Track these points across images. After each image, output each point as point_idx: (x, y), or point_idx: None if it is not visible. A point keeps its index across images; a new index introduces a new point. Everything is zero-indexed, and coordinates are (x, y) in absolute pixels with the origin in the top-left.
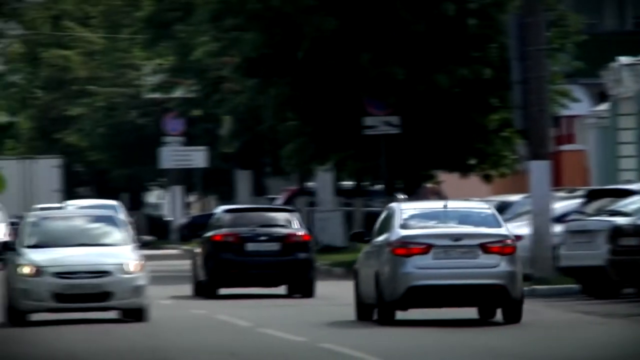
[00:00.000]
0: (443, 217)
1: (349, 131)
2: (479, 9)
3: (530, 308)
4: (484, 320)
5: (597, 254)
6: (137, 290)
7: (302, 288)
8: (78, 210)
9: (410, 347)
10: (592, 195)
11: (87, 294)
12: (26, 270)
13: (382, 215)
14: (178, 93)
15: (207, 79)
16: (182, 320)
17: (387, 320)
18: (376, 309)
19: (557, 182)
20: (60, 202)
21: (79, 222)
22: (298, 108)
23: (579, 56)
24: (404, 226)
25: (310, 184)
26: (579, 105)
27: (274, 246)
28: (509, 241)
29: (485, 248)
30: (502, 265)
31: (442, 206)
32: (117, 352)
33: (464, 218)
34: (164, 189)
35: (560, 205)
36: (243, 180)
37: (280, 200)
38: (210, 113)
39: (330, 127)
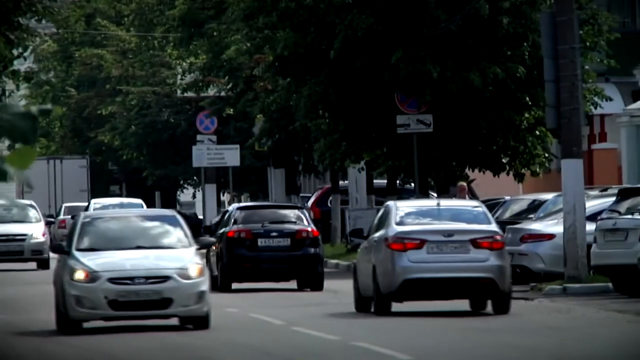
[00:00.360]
0: (437, 215)
1: (381, 129)
2: (511, 7)
3: (563, 306)
4: (511, 320)
5: (629, 252)
6: (199, 296)
7: (311, 282)
8: (134, 210)
9: (446, 345)
10: (624, 194)
11: (145, 300)
12: (79, 275)
13: (380, 213)
14: (211, 92)
15: (239, 78)
16: (216, 319)
17: (384, 311)
18: (373, 301)
19: (589, 180)
20: (87, 201)
21: (136, 223)
22: (330, 106)
23: (612, 55)
24: (400, 223)
25: (343, 182)
26: (611, 103)
27: (285, 242)
28: (498, 237)
29: (475, 243)
30: (492, 259)
31: (435, 204)
32: (152, 350)
33: (456, 215)
34: (197, 187)
35: (592, 204)
36: (276, 178)
37: (311, 199)
38: (243, 111)
39: (363, 125)
